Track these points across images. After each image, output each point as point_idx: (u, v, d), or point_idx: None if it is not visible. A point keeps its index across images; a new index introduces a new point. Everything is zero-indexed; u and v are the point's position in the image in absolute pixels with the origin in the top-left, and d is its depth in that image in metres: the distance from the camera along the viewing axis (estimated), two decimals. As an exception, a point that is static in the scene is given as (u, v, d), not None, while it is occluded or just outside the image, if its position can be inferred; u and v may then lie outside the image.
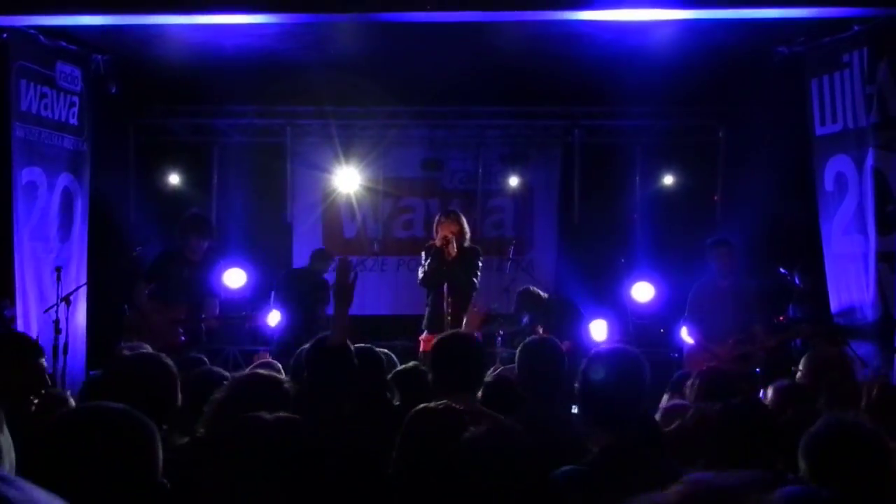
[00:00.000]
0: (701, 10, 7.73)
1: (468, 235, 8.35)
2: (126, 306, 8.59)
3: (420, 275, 8.30)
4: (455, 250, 8.05)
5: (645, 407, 3.68)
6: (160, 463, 2.37)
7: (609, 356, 3.59)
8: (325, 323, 8.54)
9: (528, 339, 4.87)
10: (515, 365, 4.72)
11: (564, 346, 5.31)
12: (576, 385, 3.57)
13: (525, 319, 9.49)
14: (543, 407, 4.38)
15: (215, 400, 3.58)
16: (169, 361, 3.76)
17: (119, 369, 3.69)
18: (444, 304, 7.88)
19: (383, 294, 12.26)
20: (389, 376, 4.66)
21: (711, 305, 8.35)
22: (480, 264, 8.31)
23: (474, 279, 8.16)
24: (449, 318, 7.77)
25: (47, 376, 3.85)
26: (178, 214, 10.88)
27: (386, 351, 5.01)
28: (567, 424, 4.25)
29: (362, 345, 4.44)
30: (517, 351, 4.69)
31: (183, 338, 8.10)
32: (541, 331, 8.96)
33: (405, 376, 4.68)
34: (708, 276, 8.56)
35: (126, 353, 4.94)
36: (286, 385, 3.71)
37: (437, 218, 8.44)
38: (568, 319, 9.57)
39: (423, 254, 8.35)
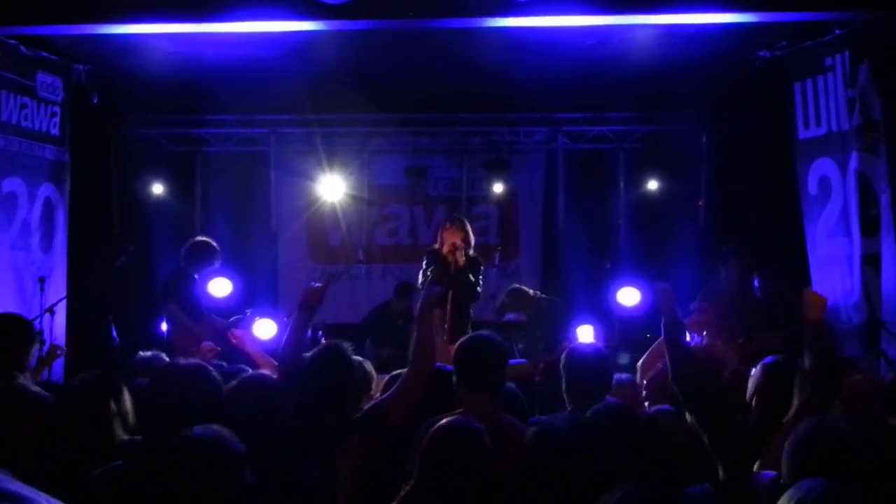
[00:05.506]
0: (681, 14, 7.75)
1: (472, 243, 8.14)
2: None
3: (420, 279, 8.04)
4: (463, 259, 7.85)
5: None
6: None
7: None
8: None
9: (571, 348, 4.66)
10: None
11: (563, 346, 5.19)
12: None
13: (509, 316, 9.23)
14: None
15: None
16: (215, 374, 3.71)
17: (168, 380, 3.63)
18: (445, 313, 7.61)
19: (369, 302, 12.20)
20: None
21: (720, 310, 8.45)
22: (482, 274, 8.19)
23: (478, 289, 8.04)
24: (447, 327, 7.54)
25: None
26: (163, 224, 10.88)
27: (360, 359, 4.89)
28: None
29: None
30: (562, 361, 4.52)
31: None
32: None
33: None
34: (717, 283, 8.66)
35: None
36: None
37: (442, 224, 8.30)
38: (560, 319, 9.42)
39: (424, 259, 8.14)
